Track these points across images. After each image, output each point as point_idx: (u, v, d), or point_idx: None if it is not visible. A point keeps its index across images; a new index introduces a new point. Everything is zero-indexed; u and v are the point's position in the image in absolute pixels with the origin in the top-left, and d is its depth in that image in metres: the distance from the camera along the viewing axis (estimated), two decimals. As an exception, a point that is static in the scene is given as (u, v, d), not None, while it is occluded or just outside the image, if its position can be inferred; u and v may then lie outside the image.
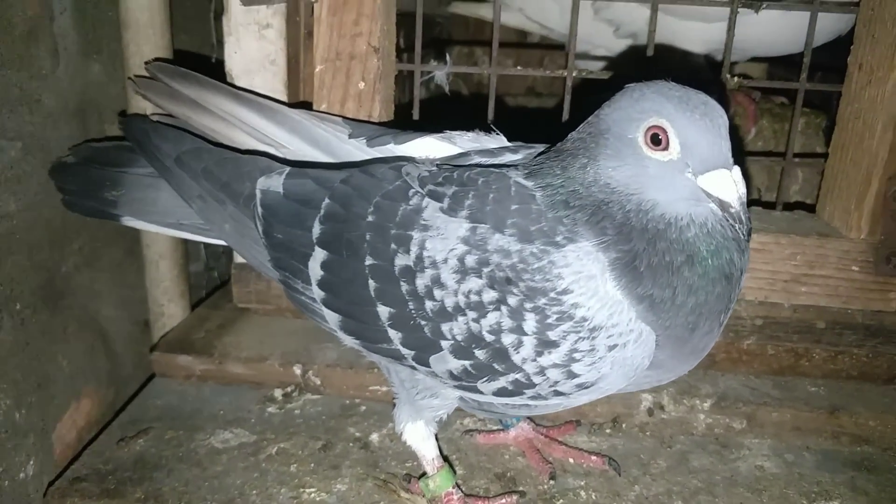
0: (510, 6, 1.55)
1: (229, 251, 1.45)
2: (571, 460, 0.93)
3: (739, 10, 1.03)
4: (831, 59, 1.16)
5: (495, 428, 0.97)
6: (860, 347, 1.04)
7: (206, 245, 1.40)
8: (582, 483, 0.89)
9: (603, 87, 1.11)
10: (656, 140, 0.64)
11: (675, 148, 0.64)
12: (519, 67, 1.09)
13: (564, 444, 0.95)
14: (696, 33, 1.31)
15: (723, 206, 0.64)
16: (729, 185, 0.63)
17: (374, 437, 0.97)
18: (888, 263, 1.00)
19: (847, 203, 1.02)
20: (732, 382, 1.05)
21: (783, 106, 1.47)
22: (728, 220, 0.64)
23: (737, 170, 0.64)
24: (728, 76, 1.06)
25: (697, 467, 0.93)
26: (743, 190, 0.64)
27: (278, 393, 1.05)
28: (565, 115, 1.05)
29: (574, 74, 1.04)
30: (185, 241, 1.25)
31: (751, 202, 1.15)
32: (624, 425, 1.01)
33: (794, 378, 1.06)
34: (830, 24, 1.17)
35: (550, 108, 1.85)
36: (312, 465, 0.91)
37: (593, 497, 0.87)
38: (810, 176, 1.36)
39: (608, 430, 1.00)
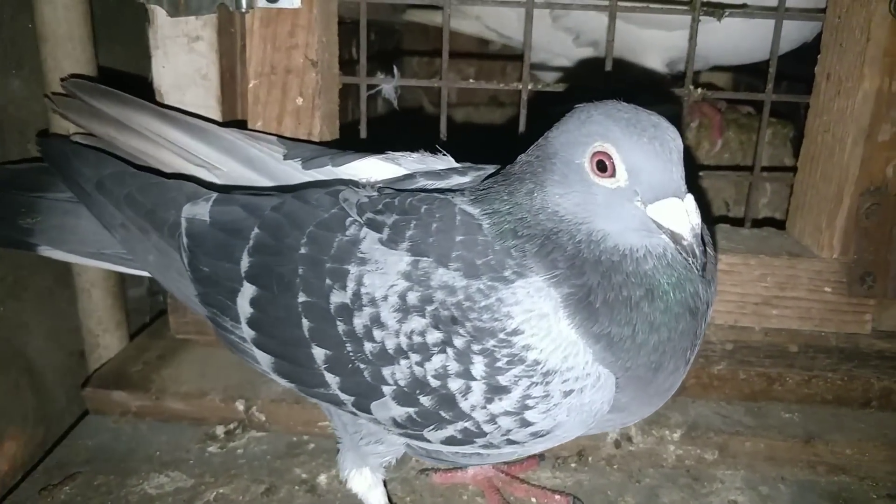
0: (468, 14, 1.50)
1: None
2: (534, 500, 0.88)
3: (701, 18, 0.98)
4: (797, 67, 1.13)
5: (452, 467, 0.91)
6: (835, 371, 1.00)
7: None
8: (544, 526, 0.84)
9: (567, 98, 1.07)
10: (602, 166, 0.59)
11: (621, 175, 0.59)
12: (472, 80, 1.04)
13: (526, 483, 0.90)
14: (657, 42, 1.27)
15: (674, 238, 0.58)
16: (680, 215, 0.58)
17: (322, 478, 0.91)
18: (862, 284, 0.97)
19: (818, 220, 0.98)
20: (703, 410, 1.01)
21: (749, 116, 1.44)
22: (681, 254, 0.59)
23: (689, 198, 0.59)
24: (691, 87, 1.01)
25: (668, 503, 0.89)
26: (696, 220, 0.59)
27: (220, 430, 0.99)
28: (521, 130, 1.00)
29: (530, 87, 0.99)
30: (122, 266, 1.17)
31: (719, 218, 1.11)
32: (590, 458, 0.96)
33: (767, 403, 1.02)
34: (795, 32, 1.13)
35: (514, 119, 1.80)
36: (253, 513, 0.85)
37: (556, 542, 0.82)
38: (779, 188, 1.33)
39: (573, 465, 0.95)
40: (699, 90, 1.02)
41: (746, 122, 1.40)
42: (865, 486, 0.92)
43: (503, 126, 1.75)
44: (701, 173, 1.12)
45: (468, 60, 1.83)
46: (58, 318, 1.10)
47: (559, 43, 1.41)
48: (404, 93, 1.56)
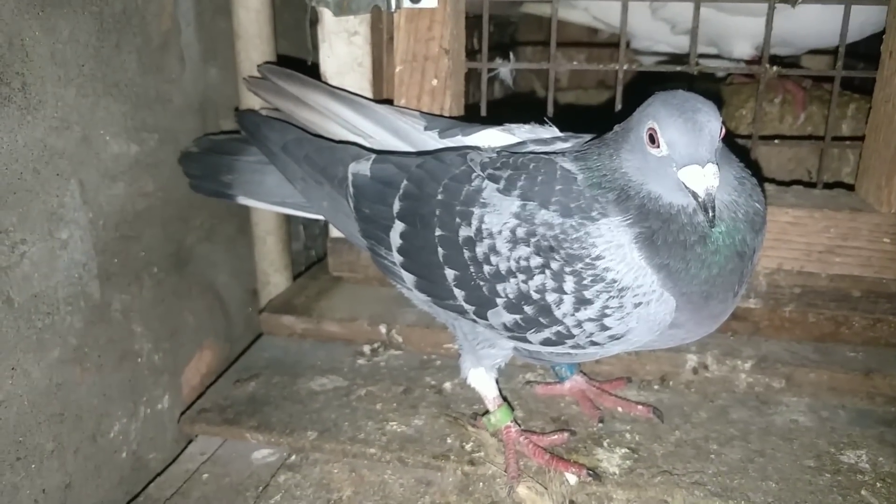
0: (577, 5, 1.65)
1: (324, 233, 1.63)
2: (620, 409, 1.05)
3: (777, 4, 1.11)
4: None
5: (552, 381, 1.11)
6: (896, 315, 1.10)
7: (305, 227, 1.58)
8: (628, 427, 1.01)
9: (665, 78, 1.22)
10: (651, 139, 0.76)
11: (663, 146, 0.75)
12: (575, 63, 1.20)
13: (614, 395, 1.07)
14: (746, 28, 1.38)
15: (694, 195, 0.74)
16: (698, 178, 0.73)
17: (447, 385, 1.12)
18: (917, 236, 1.06)
19: (879, 180, 1.08)
20: (774, 347, 1.14)
21: (833, 93, 1.52)
22: (698, 208, 0.74)
23: (710, 167, 0.73)
24: (767, 66, 1.14)
25: (736, 419, 1.03)
26: (712, 183, 0.73)
27: (366, 348, 1.22)
28: (617, 106, 1.16)
29: (625, 68, 1.15)
30: (289, 221, 1.42)
31: (797, 181, 1.23)
32: (671, 383, 1.12)
33: (833, 344, 1.14)
34: (875, 16, 1.23)
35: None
36: (395, 404, 1.07)
37: (636, 438, 0.99)
38: (862, 159, 1.42)
39: (656, 387, 1.11)
40: (774, 68, 1.14)
41: (829, 99, 1.49)
42: (919, 416, 1.03)
43: (607, 105, 1.92)
44: (777, 141, 1.25)
45: (578, 48, 2.00)
46: (238, 260, 1.36)
47: (659, 32, 1.54)
48: (518, 78, 1.74)
